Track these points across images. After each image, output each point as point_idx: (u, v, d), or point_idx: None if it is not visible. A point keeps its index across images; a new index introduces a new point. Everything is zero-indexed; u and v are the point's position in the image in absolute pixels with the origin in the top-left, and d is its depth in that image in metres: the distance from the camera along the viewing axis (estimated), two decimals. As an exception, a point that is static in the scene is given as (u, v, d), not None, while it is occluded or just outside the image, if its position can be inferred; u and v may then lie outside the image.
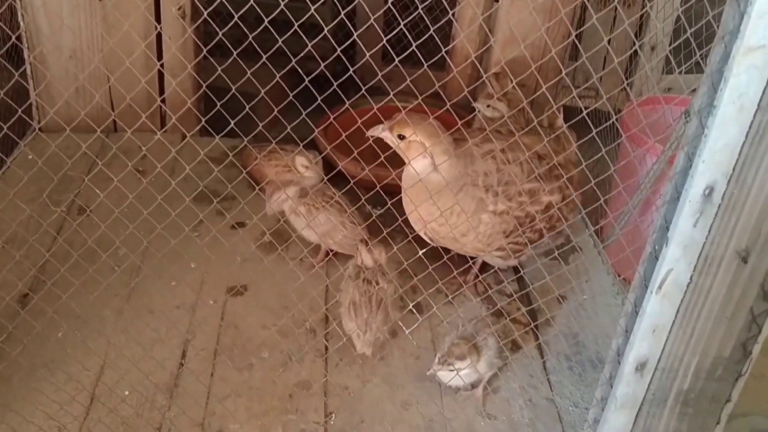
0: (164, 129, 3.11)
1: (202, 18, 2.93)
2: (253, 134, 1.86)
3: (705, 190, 1.28)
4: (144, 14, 2.85)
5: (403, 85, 1.55)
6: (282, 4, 1.45)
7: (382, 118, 2.15)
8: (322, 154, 2.81)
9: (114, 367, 2.01)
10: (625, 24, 3.11)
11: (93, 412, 1.89)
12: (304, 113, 1.75)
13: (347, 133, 1.67)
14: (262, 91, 1.63)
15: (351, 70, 1.60)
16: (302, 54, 1.62)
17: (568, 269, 1.92)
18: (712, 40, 1.25)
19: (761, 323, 1.45)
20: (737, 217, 1.32)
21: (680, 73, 1.84)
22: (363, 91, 1.66)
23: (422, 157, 1.99)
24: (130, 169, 1.89)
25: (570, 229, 2.22)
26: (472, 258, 2.44)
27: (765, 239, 1.34)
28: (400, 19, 1.67)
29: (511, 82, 2.63)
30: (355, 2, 3.33)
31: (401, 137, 2.00)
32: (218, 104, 1.61)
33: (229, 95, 1.63)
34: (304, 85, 1.84)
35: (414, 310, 2.02)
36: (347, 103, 1.92)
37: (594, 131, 1.54)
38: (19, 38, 2.86)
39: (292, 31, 1.56)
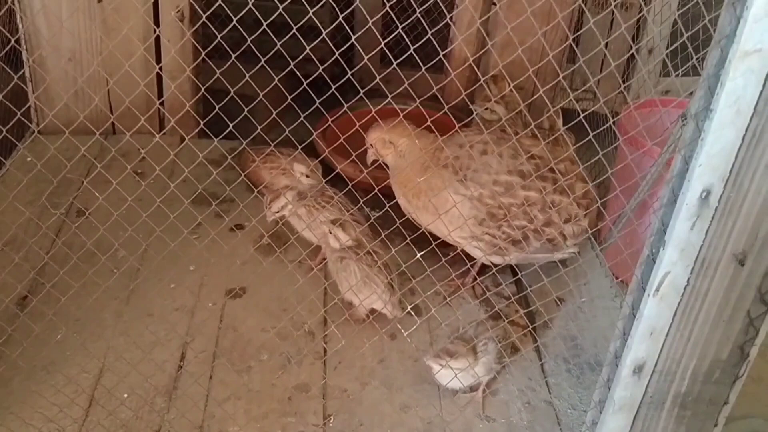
0: (163, 132, 3.10)
1: (201, 21, 2.92)
2: (251, 137, 1.86)
3: (702, 193, 1.29)
4: (143, 17, 2.86)
5: (402, 88, 1.56)
6: (281, 6, 1.46)
7: (381, 121, 2.16)
8: (320, 157, 2.81)
9: (113, 369, 2.01)
10: (622, 27, 3.11)
11: (92, 415, 1.89)
12: (302, 116, 1.76)
13: (345, 135, 1.67)
14: (261, 94, 1.64)
15: (349, 72, 1.61)
16: (301, 57, 1.63)
17: (566, 272, 1.92)
18: (709, 43, 1.25)
19: (758, 326, 1.45)
20: (734, 221, 1.32)
21: (677, 76, 1.84)
22: (361, 93, 1.67)
23: (390, 150, 2.23)
24: (129, 171, 1.90)
25: (576, 244, 2.23)
26: (470, 260, 2.45)
27: (762, 242, 1.34)
28: (398, 22, 1.67)
29: (509, 85, 2.63)
30: (354, 5, 3.33)
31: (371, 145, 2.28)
32: (217, 107, 1.61)
33: (227, 98, 1.63)
34: (302, 87, 1.84)
35: (412, 313, 2.02)
36: (345, 105, 1.93)
37: (591, 134, 1.54)
38: (18, 41, 2.86)
39: (290, 33, 1.56)
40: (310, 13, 1.57)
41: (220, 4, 1.55)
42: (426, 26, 1.63)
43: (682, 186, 1.31)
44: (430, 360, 1.98)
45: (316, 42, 1.65)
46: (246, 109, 1.63)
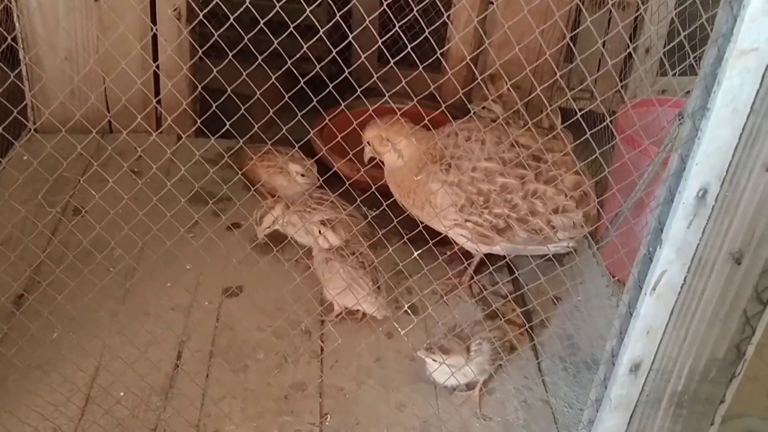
0: (160, 130, 3.11)
1: (198, 19, 2.92)
2: (248, 135, 1.86)
3: (698, 192, 1.29)
4: (140, 15, 2.85)
5: (399, 87, 1.55)
6: (278, 5, 1.45)
7: (378, 120, 2.16)
8: (317, 156, 2.81)
9: (109, 368, 2.01)
10: (619, 26, 3.12)
11: (88, 414, 1.89)
12: (299, 115, 1.75)
13: (343, 134, 1.67)
14: (258, 93, 1.63)
15: (346, 71, 1.61)
16: (298, 55, 1.62)
17: (562, 270, 1.92)
18: (705, 42, 1.26)
19: (755, 325, 1.45)
20: (730, 219, 1.32)
21: (674, 75, 1.84)
22: (359, 92, 1.66)
23: (387, 147, 2.26)
24: (125, 170, 1.89)
25: (572, 238, 2.22)
26: (467, 259, 2.45)
27: (758, 241, 1.35)
28: (395, 20, 1.67)
29: (506, 84, 2.64)
30: (351, 4, 3.33)
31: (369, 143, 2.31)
32: (214, 105, 1.61)
33: (224, 96, 1.63)
34: (299, 86, 1.84)
35: (409, 311, 2.02)
36: (343, 104, 1.93)
37: (588, 133, 1.54)
38: (14, 39, 2.85)
39: (287, 32, 1.56)
40: (308, 12, 1.57)
41: (217, 3, 1.55)
42: (423, 25, 1.63)
43: (678, 185, 1.31)
44: (422, 352, 1.99)
45: (313, 41, 1.65)
46: (243, 108, 1.63)
